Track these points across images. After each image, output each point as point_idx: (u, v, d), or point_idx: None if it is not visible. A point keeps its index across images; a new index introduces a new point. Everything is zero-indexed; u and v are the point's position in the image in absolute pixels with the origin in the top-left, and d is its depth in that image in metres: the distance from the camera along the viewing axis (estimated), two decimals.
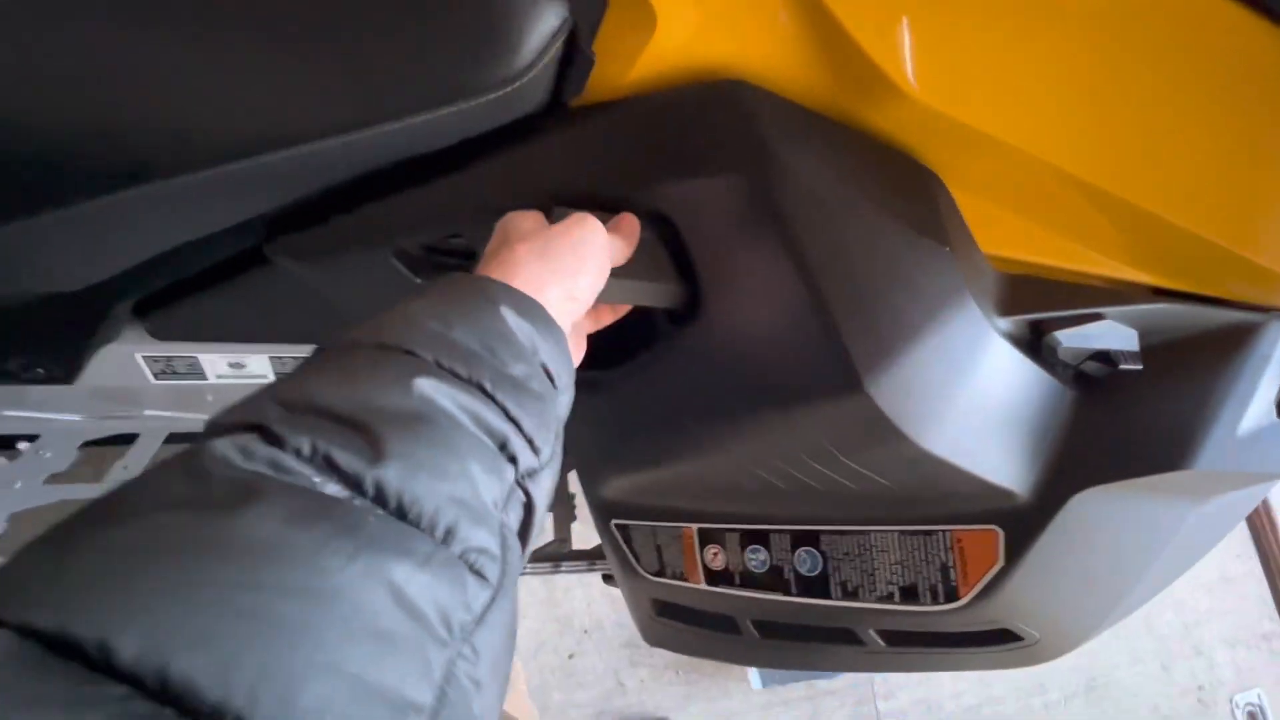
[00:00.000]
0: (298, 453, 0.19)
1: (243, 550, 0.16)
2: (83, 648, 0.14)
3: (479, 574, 0.20)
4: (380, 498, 0.19)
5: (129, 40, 0.32)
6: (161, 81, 0.34)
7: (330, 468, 0.19)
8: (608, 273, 0.33)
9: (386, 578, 0.17)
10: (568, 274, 0.31)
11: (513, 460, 0.24)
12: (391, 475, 0.19)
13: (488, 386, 0.24)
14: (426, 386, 0.23)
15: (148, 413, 0.65)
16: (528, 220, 0.34)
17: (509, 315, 0.27)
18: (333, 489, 0.19)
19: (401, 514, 0.20)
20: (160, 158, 0.36)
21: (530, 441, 0.25)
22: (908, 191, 0.34)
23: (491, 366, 0.25)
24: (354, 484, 0.19)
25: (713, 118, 0.35)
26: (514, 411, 0.24)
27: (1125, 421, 0.37)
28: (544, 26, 0.35)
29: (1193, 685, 1.50)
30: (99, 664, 0.14)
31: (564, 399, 0.29)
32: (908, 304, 0.33)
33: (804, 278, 0.33)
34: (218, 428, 0.20)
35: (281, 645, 0.15)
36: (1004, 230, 0.36)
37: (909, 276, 0.33)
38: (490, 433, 0.23)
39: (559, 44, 0.36)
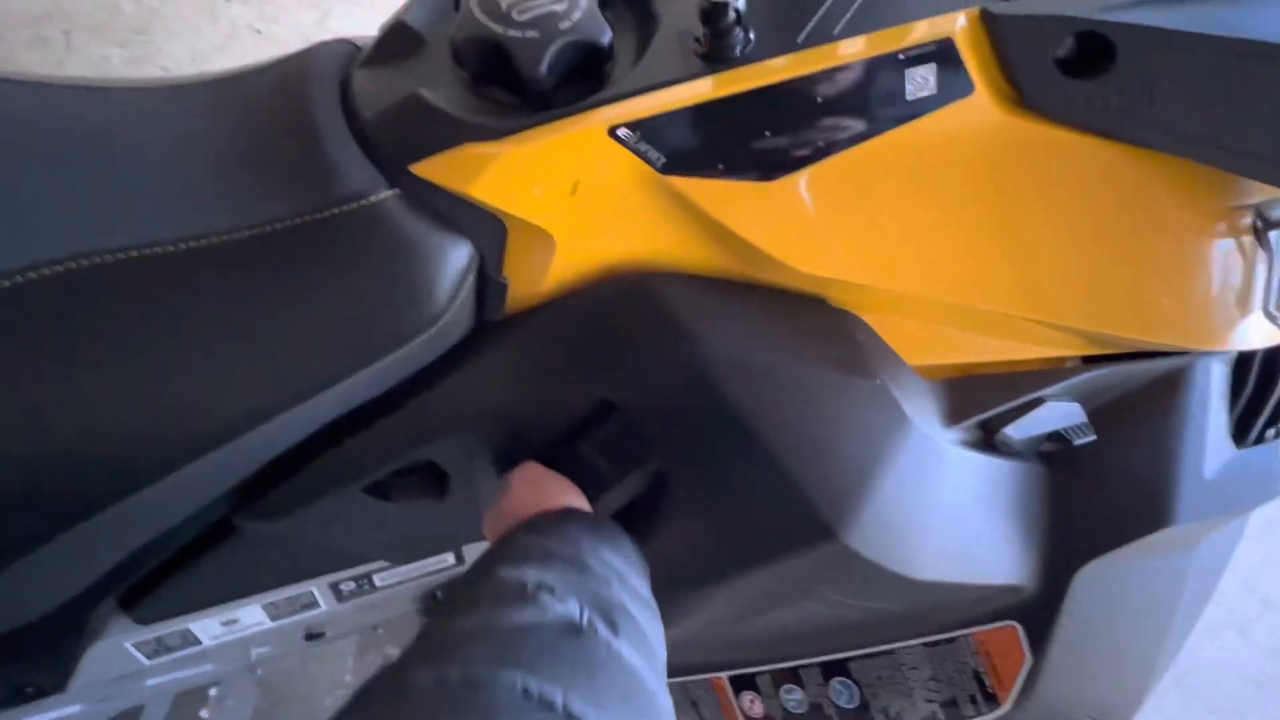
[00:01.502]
0: None
1: None
2: None
3: None
4: None
5: (71, 376, 0.34)
6: (110, 404, 0.35)
7: None
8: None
9: None
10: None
11: None
12: None
13: None
14: None
15: (149, 683, 0.62)
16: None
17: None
18: None
19: None
20: (118, 480, 0.36)
21: None
22: (827, 335, 0.36)
23: None
24: None
25: (629, 311, 0.37)
26: None
27: (1101, 490, 0.37)
28: (453, 265, 0.37)
29: (1276, 642, 1.45)
30: None
31: None
32: (857, 446, 0.34)
33: (752, 443, 0.34)
34: None
35: None
36: (927, 341, 0.38)
37: (850, 419, 0.34)
38: None
39: (471, 276, 0.38)
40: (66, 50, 1.04)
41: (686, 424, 0.36)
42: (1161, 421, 0.37)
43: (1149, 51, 0.28)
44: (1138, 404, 0.38)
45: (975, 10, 0.31)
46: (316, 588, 0.56)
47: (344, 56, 0.39)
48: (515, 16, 0.34)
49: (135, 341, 0.35)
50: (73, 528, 0.36)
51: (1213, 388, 0.37)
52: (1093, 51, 0.29)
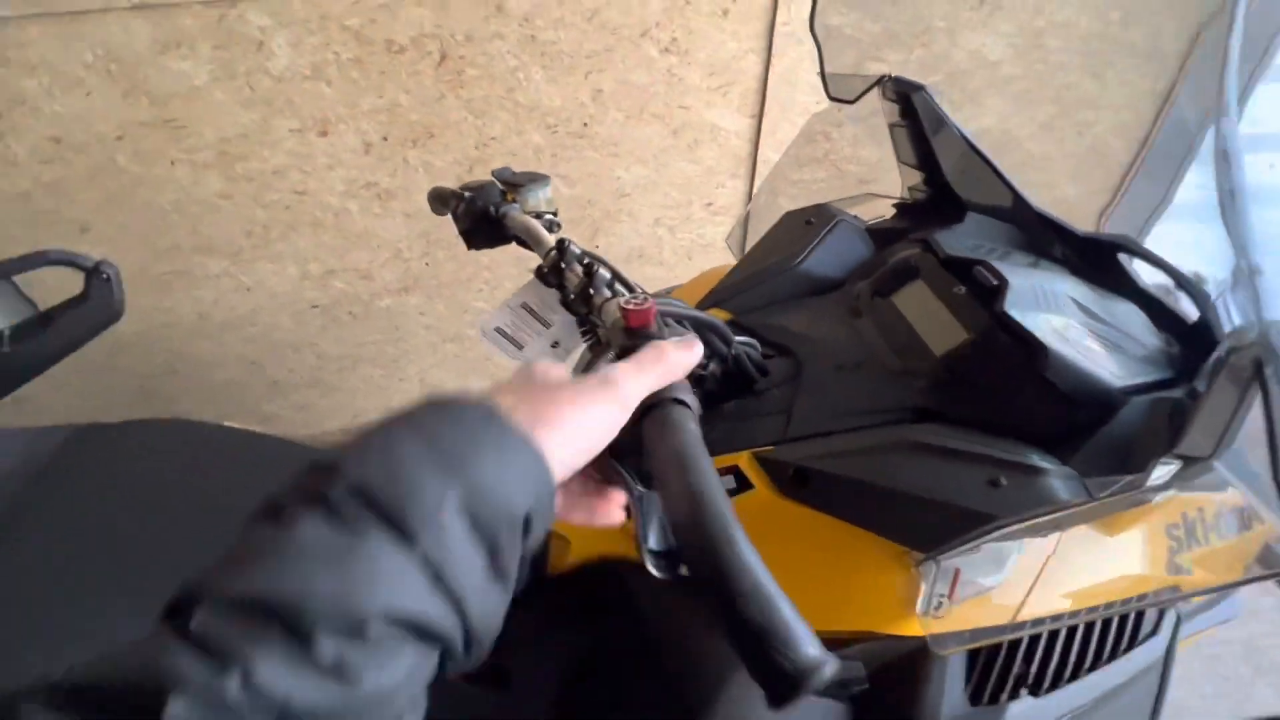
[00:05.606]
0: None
1: None
2: None
3: None
4: None
5: None
6: None
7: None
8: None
9: None
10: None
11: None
12: None
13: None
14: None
15: None
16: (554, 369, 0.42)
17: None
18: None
19: None
20: None
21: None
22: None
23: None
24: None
25: (605, 580, 0.70)
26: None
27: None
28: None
29: None
30: None
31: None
32: (714, 660, 0.61)
33: (655, 649, 0.63)
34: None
35: None
36: None
37: (710, 645, 0.62)
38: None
39: (528, 566, 0.74)
40: None
41: (626, 627, 0.66)
42: (916, 679, 0.60)
43: (823, 477, 0.61)
44: (903, 664, 0.61)
45: (748, 454, 0.66)
46: None
47: None
48: None
49: None
50: None
51: (949, 661, 0.60)
52: (804, 474, 0.62)
